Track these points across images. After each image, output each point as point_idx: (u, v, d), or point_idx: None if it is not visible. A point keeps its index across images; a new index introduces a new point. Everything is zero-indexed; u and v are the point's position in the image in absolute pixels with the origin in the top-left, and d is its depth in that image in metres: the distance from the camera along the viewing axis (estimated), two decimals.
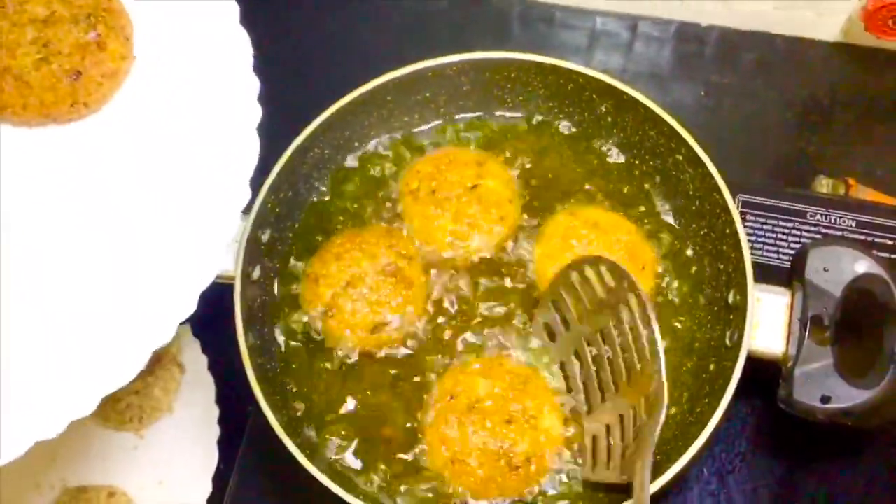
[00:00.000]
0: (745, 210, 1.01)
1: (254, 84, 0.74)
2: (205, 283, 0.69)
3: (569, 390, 0.86)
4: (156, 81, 0.75)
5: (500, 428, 0.82)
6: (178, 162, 0.73)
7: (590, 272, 0.83)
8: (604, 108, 0.94)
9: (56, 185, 0.72)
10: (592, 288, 0.83)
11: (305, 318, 0.90)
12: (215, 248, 0.70)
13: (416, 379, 0.87)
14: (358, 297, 0.87)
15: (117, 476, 0.97)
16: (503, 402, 0.83)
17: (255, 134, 0.73)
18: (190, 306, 0.68)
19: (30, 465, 0.98)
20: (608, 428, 0.82)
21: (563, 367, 0.87)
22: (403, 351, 0.89)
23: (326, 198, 0.96)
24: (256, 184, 0.87)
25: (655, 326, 0.76)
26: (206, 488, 0.95)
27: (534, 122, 0.99)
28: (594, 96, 0.93)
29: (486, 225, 0.91)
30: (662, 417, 0.75)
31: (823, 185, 1.06)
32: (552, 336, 0.88)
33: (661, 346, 0.76)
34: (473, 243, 0.91)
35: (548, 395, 0.85)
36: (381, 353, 0.88)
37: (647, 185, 0.95)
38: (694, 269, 0.91)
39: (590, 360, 0.85)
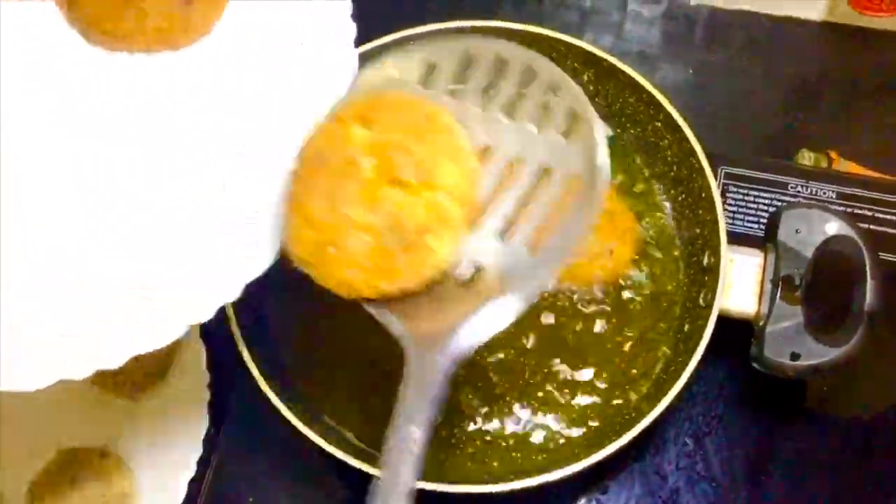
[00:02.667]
0: (727, 182, 1.02)
1: (347, 3, 0.78)
2: None
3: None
4: (255, 6, 0.78)
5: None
6: (281, 77, 0.76)
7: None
8: (586, 77, 0.95)
9: (168, 107, 0.75)
10: None
11: None
12: None
13: None
14: None
15: (110, 439, 0.99)
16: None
17: (354, 50, 0.76)
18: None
19: (24, 429, 1.00)
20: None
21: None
22: None
23: None
24: None
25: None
26: (197, 450, 0.97)
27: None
28: (576, 65, 0.95)
29: None
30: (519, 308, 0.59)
31: (806, 157, 1.07)
32: None
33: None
34: None
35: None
36: None
37: (635, 155, 0.97)
38: (673, 234, 0.93)
39: None
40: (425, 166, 0.60)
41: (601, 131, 0.61)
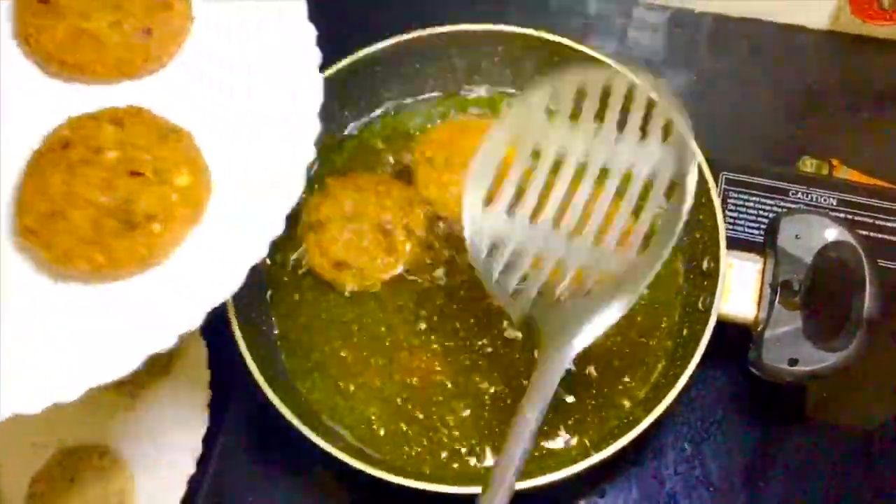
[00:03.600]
0: (728, 188, 1.02)
1: (310, 30, 0.78)
2: (289, 205, 0.72)
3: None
4: (214, 37, 0.80)
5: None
6: (243, 105, 0.77)
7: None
8: None
9: None
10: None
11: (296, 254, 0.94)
12: (293, 175, 0.74)
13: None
14: (346, 232, 0.92)
15: (110, 437, 0.99)
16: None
17: (318, 76, 0.77)
18: (278, 228, 0.71)
19: (26, 426, 1.00)
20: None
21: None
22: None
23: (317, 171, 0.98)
24: None
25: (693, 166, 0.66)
26: (197, 449, 0.97)
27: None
28: None
29: None
30: (632, 303, 0.67)
31: (807, 165, 1.07)
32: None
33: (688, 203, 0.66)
34: None
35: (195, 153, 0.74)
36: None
37: None
38: None
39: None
40: (165, 166, 0.71)
41: (688, 133, 0.67)
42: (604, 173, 0.70)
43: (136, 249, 0.69)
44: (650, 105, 0.68)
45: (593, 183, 0.70)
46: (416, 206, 0.93)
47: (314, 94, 0.76)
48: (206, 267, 0.71)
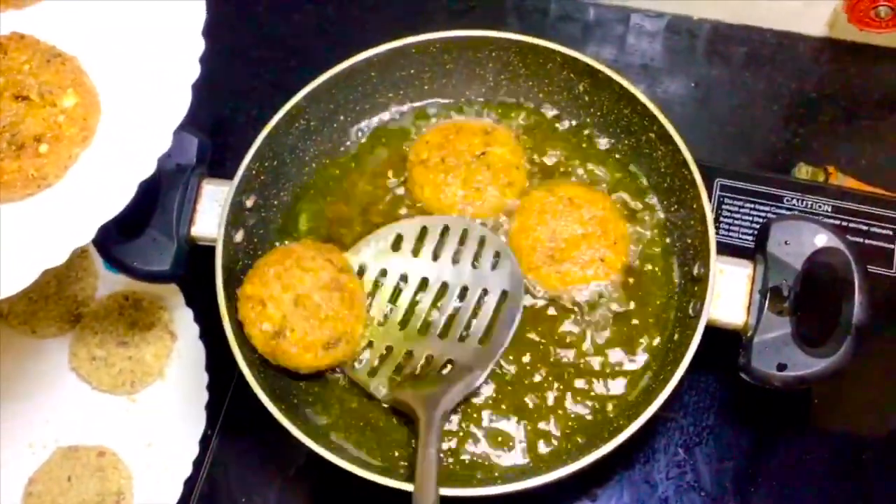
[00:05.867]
0: (722, 194, 1.03)
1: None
2: (175, 122, 0.75)
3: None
4: None
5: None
6: (131, 22, 0.80)
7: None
8: (581, 88, 0.96)
9: None
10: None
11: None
12: (179, 93, 0.76)
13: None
14: (309, 315, 0.86)
15: (108, 437, 1.00)
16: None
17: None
18: (165, 144, 0.74)
19: (24, 426, 1.01)
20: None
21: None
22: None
23: (313, 174, 0.99)
24: (242, 151, 0.91)
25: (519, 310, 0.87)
26: (194, 450, 0.98)
27: (519, 104, 1.01)
28: (572, 75, 0.96)
29: (494, 190, 0.94)
30: (480, 380, 0.85)
31: (803, 171, 1.07)
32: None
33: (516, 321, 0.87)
34: (482, 208, 0.94)
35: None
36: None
37: (630, 165, 0.97)
38: (665, 244, 0.93)
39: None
40: (49, 89, 0.74)
41: (516, 262, 0.90)
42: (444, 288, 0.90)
43: (25, 170, 0.72)
44: (482, 240, 0.91)
45: (435, 295, 0.90)
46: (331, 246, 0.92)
47: (198, 11, 0.78)
48: (97, 185, 0.74)
